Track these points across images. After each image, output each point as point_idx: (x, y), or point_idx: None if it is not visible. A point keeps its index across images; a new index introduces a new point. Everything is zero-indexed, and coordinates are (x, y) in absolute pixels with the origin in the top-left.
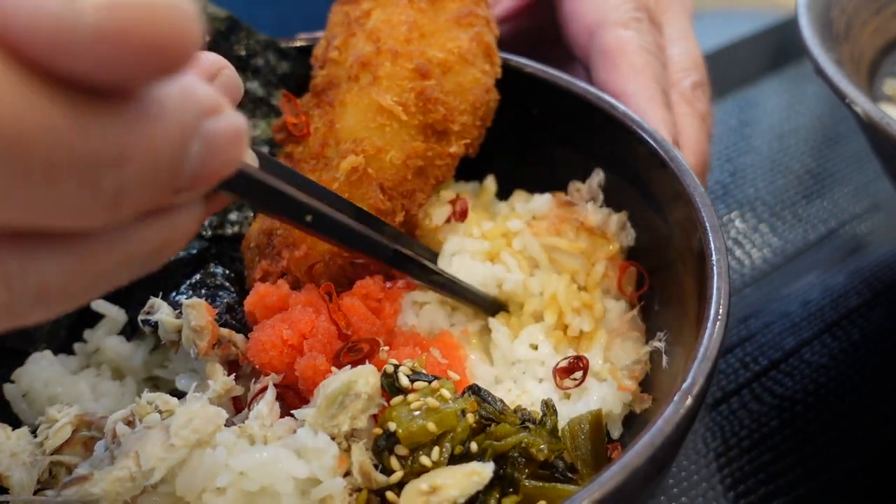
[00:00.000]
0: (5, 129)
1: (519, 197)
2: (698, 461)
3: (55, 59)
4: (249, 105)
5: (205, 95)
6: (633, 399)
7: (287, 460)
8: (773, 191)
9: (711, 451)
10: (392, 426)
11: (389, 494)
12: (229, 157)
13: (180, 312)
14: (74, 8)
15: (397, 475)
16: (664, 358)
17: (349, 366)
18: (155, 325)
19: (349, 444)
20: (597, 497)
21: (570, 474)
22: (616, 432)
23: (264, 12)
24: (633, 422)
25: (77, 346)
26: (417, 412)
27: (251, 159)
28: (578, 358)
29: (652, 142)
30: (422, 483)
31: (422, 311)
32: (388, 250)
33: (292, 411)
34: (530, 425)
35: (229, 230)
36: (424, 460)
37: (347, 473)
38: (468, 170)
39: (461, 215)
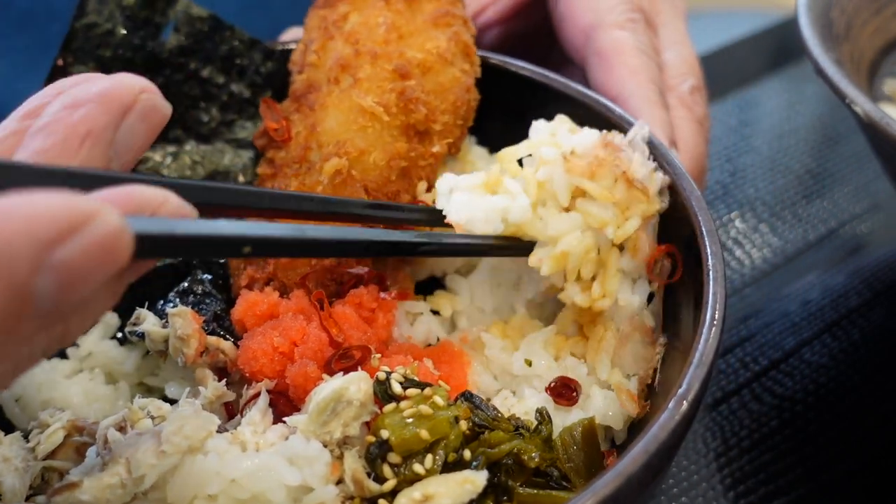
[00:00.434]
0: None
1: (562, 123)
2: (698, 461)
3: None
4: (235, 107)
5: (48, 219)
6: (636, 409)
7: (279, 468)
8: (773, 191)
9: (711, 451)
10: (385, 434)
11: (382, 503)
12: (96, 270)
13: (167, 322)
14: None
15: (390, 483)
16: (661, 363)
17: (341, 373)
18: (142, 336)
19: (341, 451)
20: None
21: (564, 482)
22: (620, 439)
23: (259, 17)
24: (633, 427)
25: (70, 350)
26: (410, 419)
27: (179, 208)
28: (569, 382)
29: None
30: (414, 491)
31: (416, 322)
32: (359, 246)
33: (284, 418)
34: (524, 433)
35: None
36: (417, 468)
37: (340, 481)
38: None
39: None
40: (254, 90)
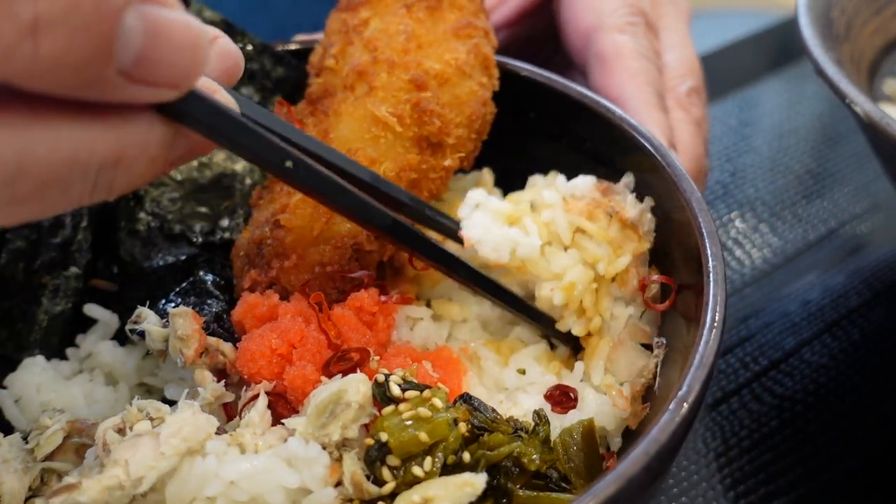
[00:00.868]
0: None
1: (557, 176)
2: (698, 461)
3: None
4: None
5: None
6: (630, 415)
7: (278, 470)
8: (773, 191)
9: (711, 451)
10: (383, 436)
11: None
12: (178, 58)
13: (168, 321)
14: None
15: (389, 486)
16: (661, 365)
17: (339, 375)
18: (143, 335)
19: (340, 453)
20: None
21: (564, 484)
22: (615, 445)
23: (260, 18)
24: (628, 430)
25: (69, 351)
26: (409, 422)
27: (229, 102)
28: (568, 390)
29: (649, 146)
30: (414, 495)
31: (416, 327)
32: (387, 218)
33: (283, 420)
34: (523, 434)
35: (220, 237)
36: (416, 471)
37: (338, 484)
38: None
39: None
40: (263, 94)
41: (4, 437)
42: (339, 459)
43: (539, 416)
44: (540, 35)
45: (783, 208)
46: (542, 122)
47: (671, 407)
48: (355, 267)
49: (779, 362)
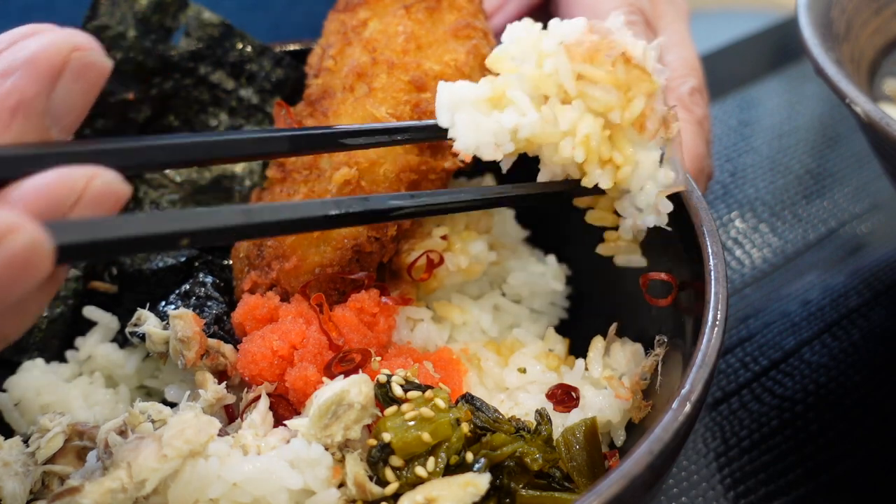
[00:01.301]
0: None
1: (531, 23)
2: (698, 461)
3: None
4: (243, 112)
5: None
6: (632, 406)
7: (281, 471)
8: (772, 191)
9: (711, 451)
10: (386, 437)
11: None
12: (17, 282)
13: (168, 323)
14: None
15: (392, 487)
16: (662, 363)
17: (341, 376)
18: (143, 337)
19: (343, 454)
20: None
21: (567, 483)
22: (619, 440)
23: (258, 18)
24: (633, 428)
25: (69, 353)
26: (412, 422)
27: (98, 183)
28: (570, 389)
29: None
30: (417, 495)
31: (416, 328)
32: (316, 221)
33: (285, 422)
34: (525, 434)
35: None
36: (420, 471)
37: (342, 485)
38: (466, 171)
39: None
40: (262, 96)
41: (4, 440)
42: (342, 460)
43: (541, 415)
44: None
45: (783, 208)
46: None
47: (674, 405)
48: (356, 268)
49: (779, 362)
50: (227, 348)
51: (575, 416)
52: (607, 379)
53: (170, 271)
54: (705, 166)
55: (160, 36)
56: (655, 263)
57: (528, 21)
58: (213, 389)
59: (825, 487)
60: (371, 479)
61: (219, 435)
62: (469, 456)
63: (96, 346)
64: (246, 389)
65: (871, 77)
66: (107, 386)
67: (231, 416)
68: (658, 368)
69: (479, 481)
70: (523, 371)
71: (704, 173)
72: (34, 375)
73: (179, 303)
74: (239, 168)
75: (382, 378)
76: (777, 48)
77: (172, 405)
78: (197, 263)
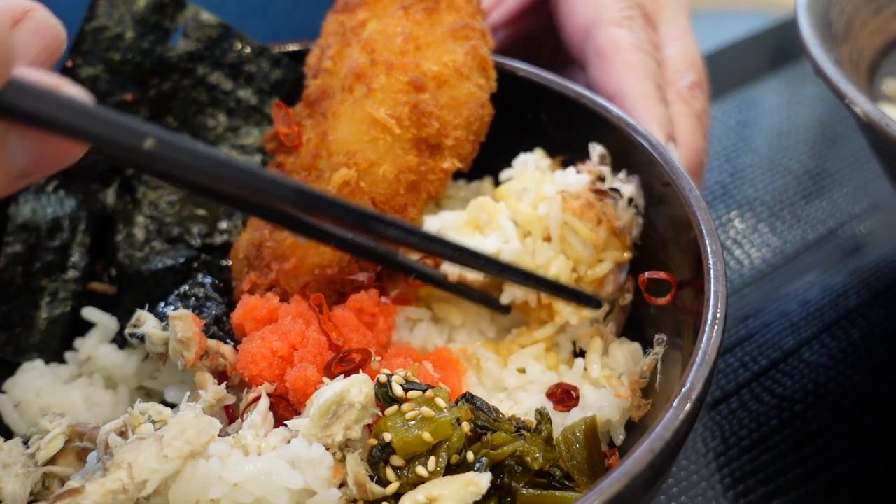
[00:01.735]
0: None
1: (542, 156)
2: (698, 461)
3: None
4: (242, 113)
5: None
6: (631, 405)
7: (282, 471)
8: (772, 191)
9: (711, 451)
10: (387, 436)
11: None
12: None
13: (167, 324)
14: None
15: (393, 486)
16: (661, 362)
17: (341, 376)
18: (142, 338)
19: (344, 454)
20: None
21: (567, 482)
22: (619, 439)
23: (257, 22)
24: (633, 426)
25: (68, 354)
26: (412, 422)
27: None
28: (570, 388)
29: (647, 145)
30: (418, 494)
31: (416, 328)
32: (288, 189)
33: (286, 422)
34: (525, 433)
35: (218, 239)
36: (420, 471)
37: (342, 485)
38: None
39: None
40: (261, 97)
41: (4, 441)
42: (343, 460)
43: (542, 414)
44: (540, 33)
45: (782, 208)
46: (541, 122)
47: (675, 404)
48: (355, 269)
49: (778, 362)
50: (227, 349)
51: (575, 416)
52: (606, 378)
53: (169, 272)
54: (704, 160)
55: (158, 37)
56: (655, 262)
57: (539, 152)
58: (213, 390)
59: (825, 487)
60: (372, 478)
61: (219, 435)
62: (470, 455)
63: (96, 348)
64: (246, 390)
65: (871, 77)
66: (106, 387)
67: (231, 416)
68: (657, 367)
69: (480, 480)
70: (522, 371)
71: (703, 167)
72: (34, 377)
73: (179, 304)
74: None
75: (383, 378)
76: (776, 48)
77: (172, 406)
78: (196, 264)
